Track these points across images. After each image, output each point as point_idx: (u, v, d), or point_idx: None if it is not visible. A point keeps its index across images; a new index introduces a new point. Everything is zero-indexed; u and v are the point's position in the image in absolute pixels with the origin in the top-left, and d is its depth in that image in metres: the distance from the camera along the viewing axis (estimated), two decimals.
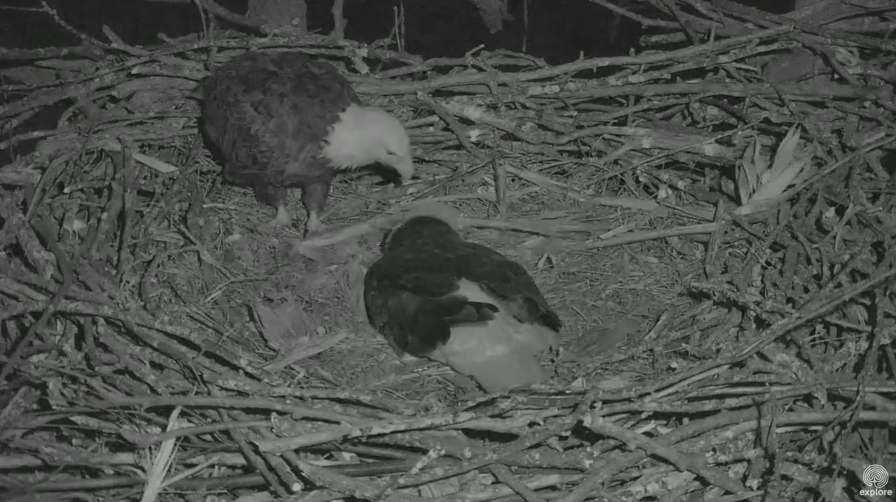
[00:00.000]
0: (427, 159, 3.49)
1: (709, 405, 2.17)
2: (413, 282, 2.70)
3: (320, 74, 3.06)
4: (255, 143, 3.00)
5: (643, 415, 2.17)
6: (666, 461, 2.15)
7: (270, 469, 2.10)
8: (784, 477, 2.13)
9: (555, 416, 2.18)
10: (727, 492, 2.17)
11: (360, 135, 3.03)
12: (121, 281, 2.67)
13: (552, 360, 2.70)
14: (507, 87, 3.45)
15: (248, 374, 2.29)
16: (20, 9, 3.47)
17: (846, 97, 3.36)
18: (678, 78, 3.49)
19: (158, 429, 2.19)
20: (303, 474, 2.04)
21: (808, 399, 2.26)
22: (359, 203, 3.45)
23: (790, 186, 3.00)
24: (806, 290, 2.66)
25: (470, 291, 2.65)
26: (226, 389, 2.22)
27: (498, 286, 2.66)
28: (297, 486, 2.05)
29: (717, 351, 2.26)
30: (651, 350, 2.63)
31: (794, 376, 2.24)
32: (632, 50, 3.52)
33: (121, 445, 2.21)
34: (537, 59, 3.61)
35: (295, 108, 2.98)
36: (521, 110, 3.47)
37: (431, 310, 2.62)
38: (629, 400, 2.15)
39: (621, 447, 2.15)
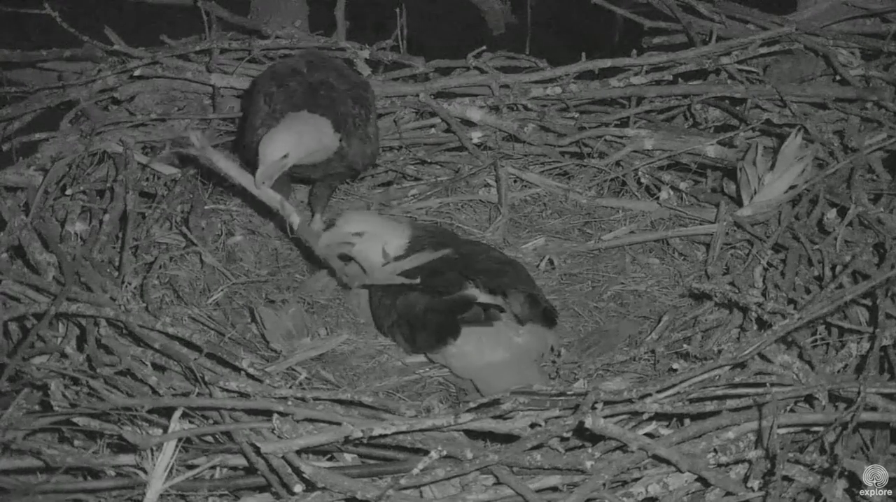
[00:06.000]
0: (429, 161, 3.50)
1: (710, 406, 2.16)
2: (422, 281, 2.69)
3: (339, 87, 2.95)
4: (251, 131, 2.92)
5: (644, 416, 2.17)
6: (667, 462, 2.15)
7: (272, 470, 2.10)
8: (785, 477, 2.12)
9: (556, 417, 2.18)
10: (728, 493, 2.17)
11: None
12: (122, 282, 2.66)
13: (553, 362, 2.70)
14: (509, 89, 3.45)
15: (249, 376, 2.29)
16: (22, 11, 3.49)
17: (848, 98, 3.36)
18: (680, 79, 3.49)
19: (160, 431, 2.19)
20: (304, 475, 2.04)
21: (810, 400, 2.26)
22: (361, 205, 3.45)
23: (792, 187, 2.99)
24: (807, 291, 2.66)
25: (477, 291, 2.65)
26: (227, 391, 2.21)
27: (493, 281, 2.64)
28: (298, 487, 2.05)
29: (719, 352, 2.26)
30: (652, 351, 2.64)
31: (795, 377, 2.23)
32: (633, 51, 3.52)
33: (122, 446, 2.21)
34: (539, 61, 3.61)
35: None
36: (523, 112, 3.47)
37: (441, 308, 2.62)
38: (630, 401, 2.14)
39: (623, 448, 2.15)
